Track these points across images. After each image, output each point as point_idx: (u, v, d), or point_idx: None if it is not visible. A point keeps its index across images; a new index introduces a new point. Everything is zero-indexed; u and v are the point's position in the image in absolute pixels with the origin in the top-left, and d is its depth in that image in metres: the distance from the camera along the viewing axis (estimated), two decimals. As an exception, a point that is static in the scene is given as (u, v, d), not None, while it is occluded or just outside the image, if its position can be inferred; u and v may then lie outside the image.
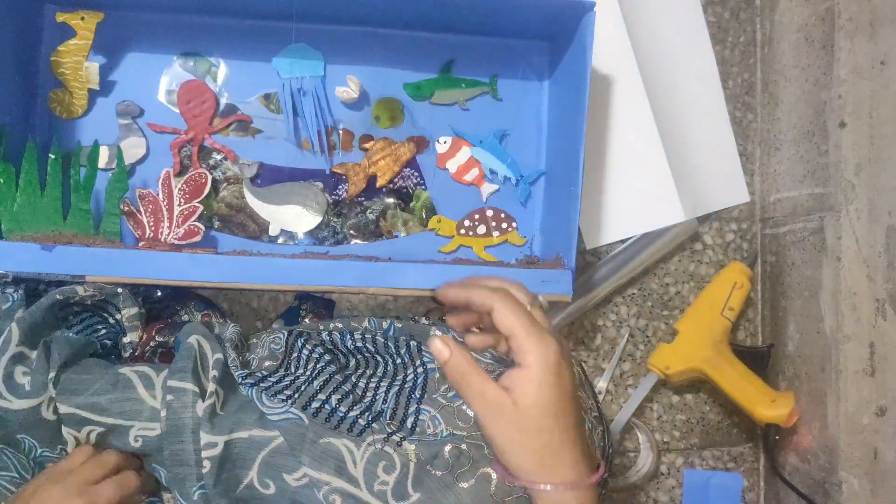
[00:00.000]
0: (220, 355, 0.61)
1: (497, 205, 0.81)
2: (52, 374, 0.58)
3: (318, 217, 0.78)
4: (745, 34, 0.92)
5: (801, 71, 0.83)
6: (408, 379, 0.62)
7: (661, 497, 0.88)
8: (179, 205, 0.71)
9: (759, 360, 0.86)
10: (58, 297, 0.61)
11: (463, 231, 0.81)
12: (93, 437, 0.58)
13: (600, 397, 0.86)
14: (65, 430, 0.58)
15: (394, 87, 0.80)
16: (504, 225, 0.81)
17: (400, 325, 0.69)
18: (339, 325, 0.70)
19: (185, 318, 0.73)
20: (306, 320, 0.77)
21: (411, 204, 0.80)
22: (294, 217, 0.78)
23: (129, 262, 0.65)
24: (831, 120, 0.77)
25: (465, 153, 0.81)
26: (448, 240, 0.81)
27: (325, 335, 0.68)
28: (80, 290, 0.63)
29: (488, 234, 0.81)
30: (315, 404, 0.59)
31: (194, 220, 0.72)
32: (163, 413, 0.57)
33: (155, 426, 0.58)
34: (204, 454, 0.56)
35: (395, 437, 0.57)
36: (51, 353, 0.59)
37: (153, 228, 0.71)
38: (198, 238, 0.71)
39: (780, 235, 0.87)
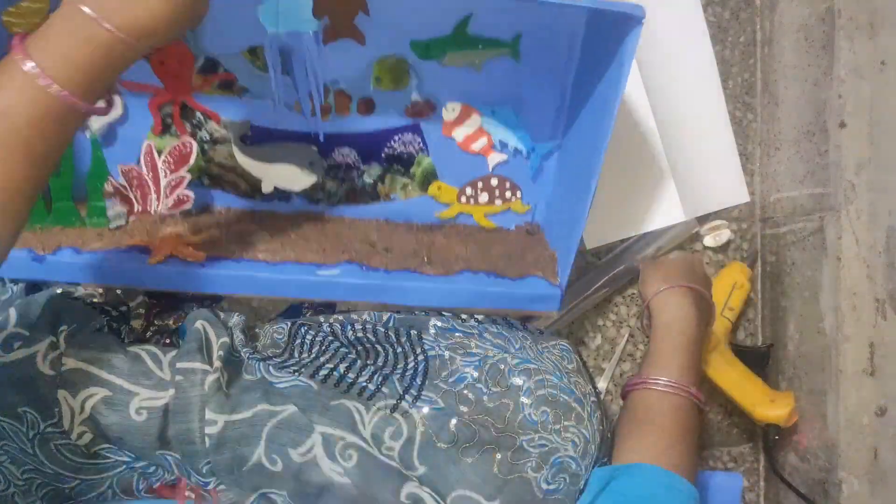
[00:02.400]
0: (225, 339, 0.62)
1: (504, 174, 0.77)
2: (63, 327, 0.58)
3: (312, 177, 0.73)
4: (745, 34, 0.92)
5: (801, 71, 0.83)
6: (408, 367, 0.63)
7: (661, 497, 0.88)
8: (165, 176, 0.69)
9: (759, 360, 0.86)
10: (58, 291, 0.62)
11: (464, 199, 0.77)
12: (88, 405, 0.56)
13: (601, 397, 0.86)
14: (60, 394, 0.56)
15: (399, 45, 0.70)
16: (508, 194, 0.78)
17: (400, 317, 0.70)
18: (340, 318, 0.70)
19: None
20: (307, 316, 0.77)
21: (412, 169, 0.76)
22: (288, 175, 0.73)
23: (124, 271, 0.64)
24: (831, 120, 0.77)
25: (474, 122, 0.74)
26: (447, 206, 0.78)
27: (325, 327, 0.68)
28: (81, 290, 0.63)
29: (491, 202, 0.78)
30: (323, 372, 0.60)
31: (183, 189, 0.69)
32: (171, 391, 0.57)
33: (162, 395, 0.57)
34: (206, 430, 0.56)
35: (404, 404, 0.58)
36: (60, 311, 0.59)
37: (141, 202, 0.69)
38: (188, 205, 0.70)
39: (780, 235, 0.87)
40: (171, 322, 0.67)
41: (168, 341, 0.68)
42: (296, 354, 0.64)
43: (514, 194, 0.78)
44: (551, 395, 0.60)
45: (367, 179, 0.75)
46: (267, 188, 0.73)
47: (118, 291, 0.67)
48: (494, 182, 0.77)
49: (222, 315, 0.68)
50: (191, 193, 0.70)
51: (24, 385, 0.56)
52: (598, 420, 0.61)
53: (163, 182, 0.69)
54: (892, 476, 0.71)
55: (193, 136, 0.71)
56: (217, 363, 0.59)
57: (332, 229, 0.74)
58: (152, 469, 0.60)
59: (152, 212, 0.69)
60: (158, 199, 0.69)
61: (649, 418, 0.64)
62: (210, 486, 0.59)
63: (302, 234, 0.73)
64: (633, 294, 0.89)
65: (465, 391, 0.60)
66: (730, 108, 0.91)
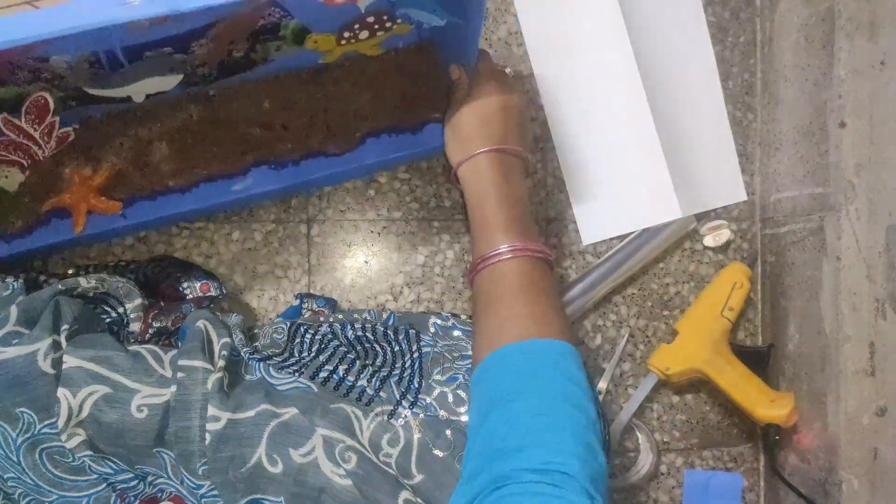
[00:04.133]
0: (226, 339, 0.62)
1: (379, 6, 0.67)
2: (65, 326, 0.58)
3: (179, 75, 0.69)
4: (745, 34, 0.92)
5: (801, 71, 0.83)
6: (406, 367, 0.63)
7: (661, 497, 0.88)
8: (35, 130, 0.68)
9: (759, 360, 0.86)
10: (60, 287, 0.61)
11: (344, 41, 0.70)
12: (88, 404, 0.56)
13: (600, 397, 0.86)
14: (60, 392, 0.55)
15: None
16: (388, 24, 0.70)
17: (400, 315, 0.70)
18: (340, 317, 0.70)
19: (186, 286, 0.73)
20: (306, 317, 0.77)
21: (280, 33, 0.67)
22: (155, 84, 0.69)
23: (57, 244, 0.67)
24: (831, 120, 0.77)
25: None
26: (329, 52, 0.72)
27: (325, 327, 0.68)
28: (82, 281, 0.63)
29: (372, 36, 0.71)
30: (323, 374, 0.60)
31: (58, 130, 0.68)
32: (173, 388, 0.57)
33: (163, 392, 0.57)
34: (207, 427, 0.56)
35: (401, 410, 0.58)
36: (62, 311, 0.59)
37: (28, 158, 0.69)
38: (71, 136, 0.69)
39: (780, 235, 0.87)
40: (169, 323, 0.67)
41: (168, 342, 0.68)
42: (295, 353, 0.64)
43: (393, 21, 0.70)
44: None
45: (237, 54, 0.69)
46: (139, 98, 0.70)
47: (119, 287, 0.67)
48: (371, 18, 0.68)
49: (221, 316, 0.68)
50: (69, 129, 0.69)
51: (24, 383, 0.56)
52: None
53: (36, 134, 0.68)
54: (892, 476, 0.71)
55: (32, 81, 0.65)
56: (220, 362, 0.59)
57: (224, 116, 0.73)
58: (134, 482, 0.60)
59: (42, 158, 0.69)
60: (42, 147, 0.69)
61: (495, 296, 0.60)
62: (201, 491, 0.58)
63: (198, 135, 0.73)
64: (633, 294, 0.89)
65: (459, 391, 0.60)
66: (730, 108, 0.91)
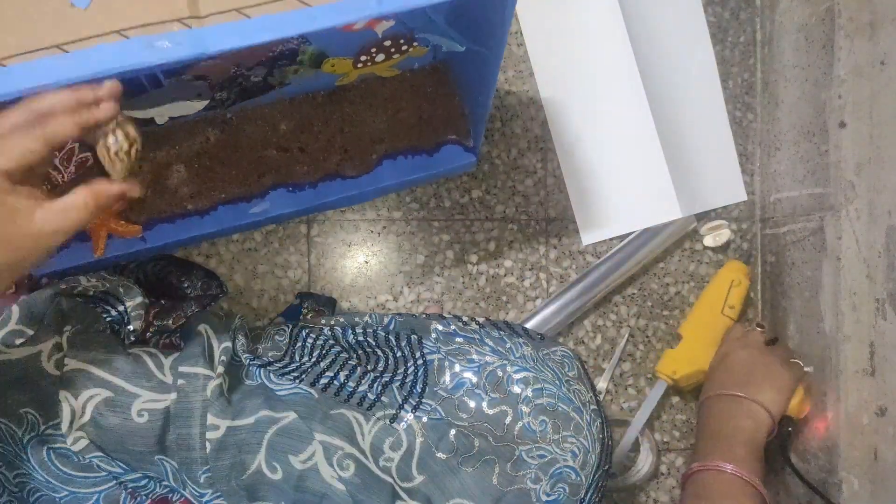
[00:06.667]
0: (227, 343, 0.62)
1: (396, 31, 0.67)
2: (67, 327, 0.58)
3: (203, 101, 0.69)
4: (745, 34, 0.92)
5: (801, 71, 0.83)
6: (408, 373, 0.63)
7: (661, 497, 0.88)
8: (56, 155, 0.67)
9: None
10: (61, 286, 0.61)
11: (360, 65, 0.71)
12: (90, 407, 0.56)
13: (600, 397, 0.86)
14: (62, 394, 0.55)
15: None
16: (405, 47, 0.70)
17: (401, 320, 0.70)
18: (342, 320, 0.70)
19: (186, 285, 0.74)
20: (308, 317, 0.77)
21: (298, 58, 0.67)
22: (179, 108, 0.69)
23: (78, 269, 0.65)
24: (831, 120, 0.77)
25: None
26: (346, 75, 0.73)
27: (326, 330, 0.68)
28: (83, 280, 0.63)
29: (388, 58, 0.71)
30: (323, 380, 0.60)
31: (78, 155, 0.68)
32: (173, 395, 0.57)
33: (163, 398, 0.57)
34: (207, 435, 0.56)
35: (403, 414, 0.58)
36: (64, 312, 0.59)
37: (48, 184, 0.68)
38: (90, 161, 0.69)
39: (780, 235, 0.87)
40: (170, 322, 0.67)
41: (168, 341, 0.68)
42: (297, 358, 0.64)
43: (409, 45, 0.70)
44: (550, 405, 0.60)
45: (255, 79, 0.68)
46: (161, 120, 0.70)
47: (120, 285, 0.67)
48: (388, 42, 0.68)
49: (224, 318, 0.68)
50: (88, 154, 0.68)
51: (28, 384, 0.56)
52: (598, 429, 0.61)
53: (55, 160, 0.68)
54: (892, 476, 0.71)
55: None
56: (220, 368, 0.59)
57: (242, 138, 0.74)
58: (143, 482, 0.60)
59: (62, 182, 0.68)
60: (61, 172, 0.68)
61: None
62: (205, 499, 0.58)
63: (216, 158, 0.73)
64: (633, 294, 0.89)
65: (465, 397, 0.60)
66: (730, 108, 0.91)
